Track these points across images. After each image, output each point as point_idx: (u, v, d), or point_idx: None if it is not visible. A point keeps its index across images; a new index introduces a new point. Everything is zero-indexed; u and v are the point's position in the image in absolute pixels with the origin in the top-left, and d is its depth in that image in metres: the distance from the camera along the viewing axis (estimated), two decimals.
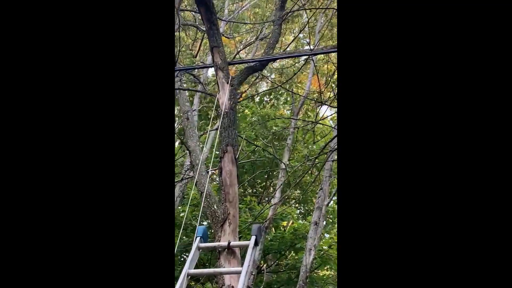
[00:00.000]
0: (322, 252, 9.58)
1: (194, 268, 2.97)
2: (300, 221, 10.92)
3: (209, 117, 10.23)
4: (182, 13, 6.28)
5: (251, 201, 10.03)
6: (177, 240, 5.51)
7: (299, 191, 10.84)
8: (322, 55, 9.10)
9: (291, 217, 10.63)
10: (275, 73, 11.90)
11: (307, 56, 7.07)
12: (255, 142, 10.26)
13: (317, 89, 10.35)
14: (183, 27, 6.69)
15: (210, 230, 3.65)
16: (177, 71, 5.62)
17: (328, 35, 10.99)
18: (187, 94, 6.20)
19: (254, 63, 5.13)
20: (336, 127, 8.60)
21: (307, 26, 8.70)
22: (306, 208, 11.70)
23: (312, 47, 6.57)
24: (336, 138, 8.18)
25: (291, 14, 7.32)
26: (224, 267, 3.33)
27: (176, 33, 5.96)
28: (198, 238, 3.07)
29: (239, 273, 2.90)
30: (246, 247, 3.04)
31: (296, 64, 10.73)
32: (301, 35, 11.53)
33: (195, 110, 8.49)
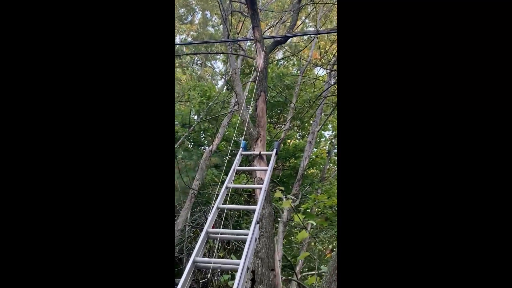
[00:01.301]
0: (312, 159, 9.63)
1: (239, 166, 3.00)
2: (299, 141, 10.88)
3: (246, 72, 9.94)
4: (232, 3, 5.90)
5: (270, 127, 10.00)
6: (228, 150, 5.59)
7: (299, 122, 10.68)
8: (320, 35, 8.59)
9: (294, 137, 10.60)
10: (287, 46, 11.28)
11: (313, 35, 6.65)
12: (276, 90, 10.02)
13: (316, 57, 9.88)
14: (232, 13, 6.31)
15: (248, 144, 3.61)
16: (229, 42, 5.37)
17: (324, 22, 10.29)
18: (234, 57, 5.96)
19: (280, 38, 4.89)
20: (326, 82, 8.30)
21: (311, 15, 8.15)
22: (304, 132, 11.58)
23: (316, 29, 6.15)
24: (326, 90, 7.91)
25: (303, 6, 6.80)
26: (256, 166, 3.32)
27: (229, 17, 5.64)
28: (241, 148, 3.08)
29: (265, 170, 2.91)
30: (270, 155, 3.03)
31: (302, 41, 10.22)
32: (306, 20, 10.78)
33: (239, 68, 8.26)
